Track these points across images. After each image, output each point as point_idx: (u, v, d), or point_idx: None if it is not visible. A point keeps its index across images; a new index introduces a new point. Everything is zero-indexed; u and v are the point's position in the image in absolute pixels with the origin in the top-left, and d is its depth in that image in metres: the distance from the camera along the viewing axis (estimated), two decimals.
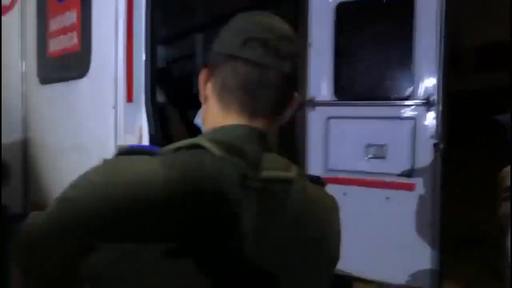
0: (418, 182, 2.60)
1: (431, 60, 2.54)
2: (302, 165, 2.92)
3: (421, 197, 2.59)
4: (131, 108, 1.75)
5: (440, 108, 2.53)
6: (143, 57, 1.78)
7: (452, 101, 2.58)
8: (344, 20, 2.79)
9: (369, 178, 2.72)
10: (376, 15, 2.74)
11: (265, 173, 0.72)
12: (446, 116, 2.53)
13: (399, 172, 2.64)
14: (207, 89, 0.80)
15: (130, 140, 1.69)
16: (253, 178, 0.71)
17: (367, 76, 2.79)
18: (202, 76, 0.81)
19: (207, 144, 0.70)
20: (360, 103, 2.76)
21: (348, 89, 2.83)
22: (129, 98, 1.74)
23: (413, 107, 2.60)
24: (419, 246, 2.59)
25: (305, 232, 0.75)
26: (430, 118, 2.56)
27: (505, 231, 2.21)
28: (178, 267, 0.65)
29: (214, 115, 0.79)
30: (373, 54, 2.77)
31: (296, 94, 0.83)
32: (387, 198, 2.68)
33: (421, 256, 2.59)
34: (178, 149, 0.71)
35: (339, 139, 2.80)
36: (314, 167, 2.88)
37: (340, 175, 2.79)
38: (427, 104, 2.55)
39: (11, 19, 2.54)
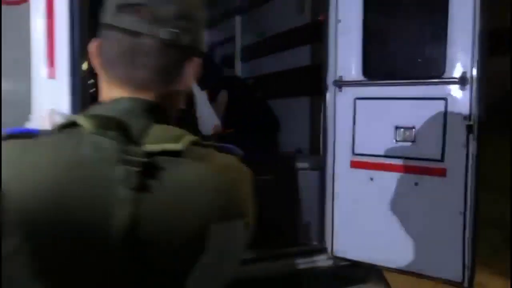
0: (450, 167, 2.41)
1: (466, 35, 2.31)
2: (330, 147, 2.84)
3: (452, 183, 2.40)
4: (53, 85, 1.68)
5: (475, 86, 2.30)
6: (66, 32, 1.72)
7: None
8: None
9: (397, 162, 2.57)
10: None
11: (149, 147, 0.68)
12: (482, 95, 2.30)
13: (429, 156, 2.46)
14: (97, 63, 0.78)
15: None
16: (133, 153, 0.67)
17: (396, 54, 2.63)
18: (91, 49, 0.77)
19: (81, 120, 0.69)
20: (387, 82, 2.60)
21: (376, 68, 2.68)
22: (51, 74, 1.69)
23: (444, 85, 2.39)
24: (450, 236, 2.42)
25: (197, 207, 0.69)
26: (464, 98, 2.34)
27: None
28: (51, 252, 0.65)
29: (102, 89, 0.77)
30: (403, 30, 2.59)
31: (195, 59, 0.77)
32: (416, 184, 2.51)
33: (452, 247, 2.41)
34: (61, 128, 0.70)
35: (366, 121, 2.67)
36: (341, 150, 2.78)
37: (367, 159, 2.67)
38: (461, 82, 2.33)
39: None
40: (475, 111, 2.31)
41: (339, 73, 2.75)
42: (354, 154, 2.72)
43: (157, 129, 0.71)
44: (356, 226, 2.75)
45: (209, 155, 0.75)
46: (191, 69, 0.77)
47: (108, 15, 0.73)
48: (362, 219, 2.71)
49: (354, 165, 2.72)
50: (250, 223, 0.76)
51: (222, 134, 3.61)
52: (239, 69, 4.80)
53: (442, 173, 2.43)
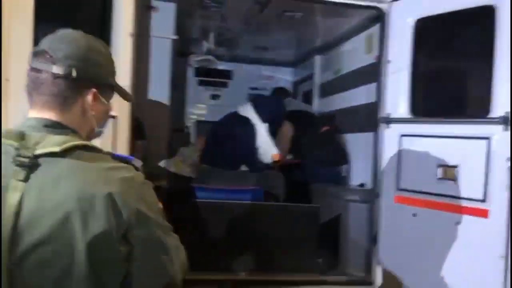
0: (492, 209, 2.35)
1: (507, 75, 2.30)
2: (377, 182, 2.92)
3: (494, 226, 2.33)
4: None
5: None
6: None
7: None
8: (421, 36, 2.73)
9: (439, 200, 2.57)
10: (454, 29, 2.61)
11: (37, 151, 0.98)
12: None
13: (470, 196, 2.43)
14: None
15: None
16: (23, 155, 0.97)
17: (443, 94, 2.66)
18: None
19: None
20: (431, 120, 2.64)
21: (422, 106, 2.74)
22: None
23: (487, 125, 2.38)
24: (490, 281, 2.33)
25: (62, 192, 0.97)
26: (506, 138, 2.30)
27: None
28: None
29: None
30: (450, 69, 2.64)
31: (92, 90, 1.09)
32: (457, 223, 2.48)
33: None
34: None
35: (411, 157, 2.72)
36: (387, 185, 2.85)
37: (410, 195, 2.71)
38: (504, 122, 2.31)
39: None
40: None
41: (387, 111, 2.87)
42: (398, 189, 2.77)
43: (51, 138, 1.02)
44: (398, 260, 2.77)
45: (96, 158, 1.03)
46: (87, 97, 1.09)
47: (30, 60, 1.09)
48: (405, 254, 2.73)
49: (398, 200, 2.77)
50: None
51: (288, 163, 3.87)
52: (316, 104, 5.04)
53: (483, 214, 2.38)
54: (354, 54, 4.01)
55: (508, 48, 2.33)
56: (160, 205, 1.15)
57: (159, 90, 3.37)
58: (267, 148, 3.44)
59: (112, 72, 1.19)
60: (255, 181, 3.51)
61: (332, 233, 3.34)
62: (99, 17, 2.47)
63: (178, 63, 5.39)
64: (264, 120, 3.51)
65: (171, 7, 3.55)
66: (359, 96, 3.75)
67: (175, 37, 3.47)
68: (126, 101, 1.40)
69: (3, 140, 1.00)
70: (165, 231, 1.10)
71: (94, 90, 1.10)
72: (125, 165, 1.08)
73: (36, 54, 1.07)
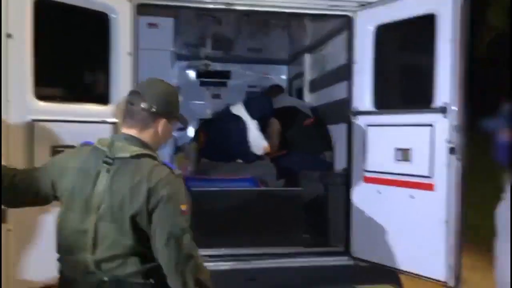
0: (437, 183, 2.84)
1: (447, 72, 2.77)
2: (350, 165, 3.41)
3: (438, 196, 2.82)
4: None
5: (455, 114, 2.73)
6: None
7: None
8: (380, 40, 3.20)
9: (397, 178, 3.06)
10: (405, 34, 3.08)
11: (117, 155, 1.62)
12: (463, 121, 2.71)
13: (420, 173, 2.92)
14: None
15: None
16: (109, 157, 1.63)
17: (398, 88, 3.14)
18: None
19: (96, 142, 1.65)
20: (389, 111, 3.12)
21: (382, 100, 3.21)
22: None
23: (431, 114, 2.85)
24: (436, 242, 2.82)
25: (134, 187, 1.59)
26: (445, 124, 2.78)
27: (496, 232, 2.35)
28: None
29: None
30: (403, 68, 3.11)
31: (164, 120, 1.72)
32: (412, 197, 2.98)
33: (438, 252, 2.81)
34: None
35: (375, 143, 3.21)
36: (356, 168, 3.34)
37: (375, 175, 3.20)
38: (442, 111, 2.78)
39: None
40: (456, 135, 2.73)
41: (355, 104, 3.35)
42: (365, 171, 3.27)
43: (128, 147, 1.65)
44: (368, 232, 3.26)
45: (149, 162, 1.65)
46: (160, 124, 1.73)
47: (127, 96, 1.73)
48: (373, 225, 3.22)
49: (366, 180, 3.27)
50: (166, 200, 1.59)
51: (277, 155, 4.38)
52: (307, 99, 5.53)
53: (430, 187, 2.86)
54: (335, 54, 4.48)
55: (447, 48, 2.80)
56: (185, 206, 1.66)
57: None
58: (257, 141, 3.95)
59: (178, 107, 1.85)
60: (250, 171, 4.04)
61: (316, 213, 3.85)
62: (99, 37, 2.92)
63: (180, 67, 5.97)
64: (254, 117, 4.03)
65: (170, 22, 4.08)
66: (338, 91, 4.22)
67: (172, 49, 3.98)
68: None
69: (98, 145, 1.68)
70: (176, 223, 1.61)
71: (164, 120, 1.75)
72: (166, 168, 1.67)
73: (132, 93, 1.77)
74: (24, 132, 2.54)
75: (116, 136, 1.78)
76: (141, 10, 3.10)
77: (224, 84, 6.42)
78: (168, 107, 1.76)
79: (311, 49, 5.42)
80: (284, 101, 5.02)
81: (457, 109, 2.74)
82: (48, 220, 2.58)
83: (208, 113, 6.31)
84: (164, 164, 1.69)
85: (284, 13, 3.43)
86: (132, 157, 1.63)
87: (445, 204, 2.79)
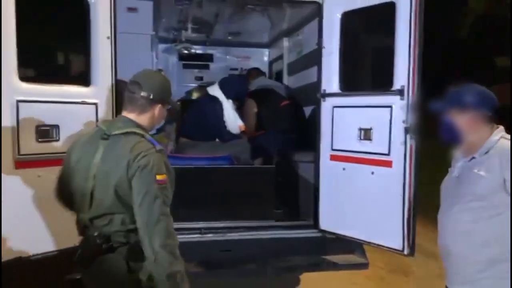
0: (394, 160, 3.09)
1: (404, 57, 2.99)
2: (318, 144, 3.64)
3: (396, 172, 3.08)
4: None
5: (410, 96, 2.97)
6: None
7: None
8: (346, 27, 3.40)
9: (360, 156, 3.31)
10: (368, 20, 3.28)
11: (113, 132, 1.98)
12: (416, 103, 2.95)
13: (380, 151, 3.16)
14: None
15: None
16: (107, 134, 1.99)
17: (361, 72, 3.36)
18: None
19: (101, 123, 2.03)
20: (353, 93, 3.35)
21: (347, 83, 3.43)
22: None
23: (390, 96, 3.09)
24: (394, 214, 3.09)
25: (118, 158, 1.89)
26: (402, 106, 3.02)
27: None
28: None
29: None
30: (366, 53, 3.32)
31: (159, 105, 2.11)
32: (372, 173, 3.23)
33: (395, 223, 3.08)
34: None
35: (340, 124, 3.44)
36: (324, 147, 3.57)
37: (340, 154, 3.44)
38: (399, 93, 3.02)
39: None
40: (410, 116, 2.98)
41: (323, 87, 3.56)
42: (332, 149, 3.50)
43: (123, 127, 1.97)
44: (335, 206, 3.52)
45: (135, 138, 1.96)
46: (156, 109, 2.10)
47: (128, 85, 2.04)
48: (339, 200, 3.48)
49: (332, 158, 3.51)
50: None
51: (254, 135, 4.60)
52: (285, 81, 5.74)
53: (388, 164, 3.12)
54: (309, 39, 4.67)
55: (405, 35, 3.01)
56: (161, 176, 1.95)
57: None
58: (233, 120, 4.16)
59: (170, 94, 2.23)
60: (227, 150, 4.26)
61: (287, 189, 4.10)
62: (79, 22, 3.06)
63: (163, 50, 6.11)
64: (228, 96, 4.23)
65: (149, 6, 4.22)
66: (312, 75, 4.43)
67: (152, 32, 4.14)
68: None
69: (101, 125, 2.10)
70: (150, 193, 1.91)
71: (159, 105, 2.13)
72: (149, 143, 1.98)
73: (132, 83, 2.10)
74: (10, 112, 2.71)
75: (117, 118, 2.22)
76: None
77: (206, 67, 6.59)
78: (162, 95, 2.15)
79: (289, 33, 5.60)
80: (262, 83, 5.23)
81: (411, 91, 2.97)
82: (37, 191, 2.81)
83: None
84: (149, 141, 1.99)
85: None
86: (122, 134, 1.98)
87: (401, 180, 3.04)
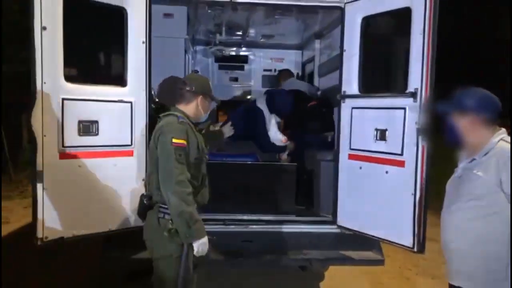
0: (407, 160, 3.20)
1: (418, 60, 3.10)
2: (338, 144, 3.79)
3: (408, 172, 3.19)
4: None
5: (422, 99, 3.07)
6: None
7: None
8: (366, 30, 3.54)
9: (375, 155, 3.44)
10: (386, 26, 3.40)
11: (161, 115, 2.81)
12: (427, 105, 3.05)
13: (394, 151, 3.28)
14: None
15: None
16: (159, 117, 2.82)
17: (379, 75, 3.48)
18: None
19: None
20: (371, 95, 3.48)
21: (366, 85, 3.56)
22: None
23: (404, 98, 3.19)
24: (406, 212, 3.20)
25: (155, 130, 2.75)
26: (415, 108, 3.12)
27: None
28: None
29: None
30: (385, 56, 3.44)
31: (200, 96, 2.86)
32: (387, 172, 3.35)
33: (407, 220, 3.19)
34: None
35: (358, 124, 3.58)
36: (343, 146, 3.72)
37: (358, 153, 3.58)
38: (413, 96, 3.12)
39: None
40: (421, 118, 3.08)
41: (343, 89, 3.71)
42: (350, 149, 3.65)
43: (169, 112, 2.80)
44: (353, 203, 3.67)
45: (169, 117, 2.76)
46: (198, 99, 2.85)
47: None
48: (356, 198, 3.62)
49: (350, 157, 3.65)
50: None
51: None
52: (317, 83, 5.89)
53: (402, 164, 3.23)
54: (337, 42, 4.81)
55: (419, 39, 3.11)
56: (178, 140, 2.61)
57: None
58: (275, 133, 4.42)
59: (210, 89, 2.92)
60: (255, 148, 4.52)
61: (310, 186, 4.28)
62: (118, 28, 3.37)
63: (199, 52, 6.45)
64: (272, 111, 4.49)
65: (184, 12, 4.53)
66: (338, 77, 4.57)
67: (186, 36, 4.44)
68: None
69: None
70: (166, 152, 2.59)
71: (200, 96, 2.84)
72: (175, 118, 2.71)
73: (181, 82, 2.88)
74: (56, 108, 3.08)
75: (171, 108, 2.86)
76: (156, 1, 3.56)
77: (241, 68, 6.86)
78: (202, 88, 2.85)
79: (320, 35, 5.75)
80: (292, 84, 5.43)
81: (424, 94, 3.07)
82: (78, 180, 3.17)
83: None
84: (177, 117, 2.71)
85: (281, 5, 3.81)
86: (164, 115, 2.77)
87: (413, 179, 3.15)
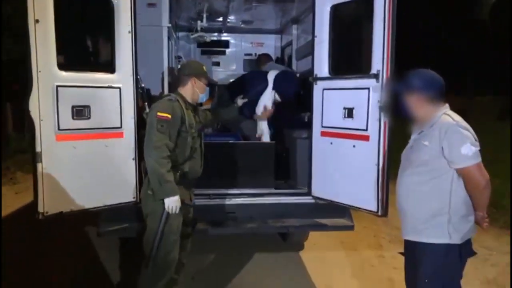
0: (371, 135, 3.58)
1: (379, 44, 3.45)
2: (311, 123, 4.15)
3: (372, 145, 3.57)
4: None
5: (384, 80, 3.44)
6: None
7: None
8: (334, 18, 3.87)
9: (344, 132, 3.81)
10: (352, 13, 3.74)
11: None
12: (387, 85, 3.41)
13: (360, 127, 3.65)
14: None
15: None
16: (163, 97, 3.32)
17: (347, 58, 3.83)
18: None
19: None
20: (339, 77, 3.84)
21: (335, 68, 3.91)
22: None
23: (368, 79, 3.55)
24: (371, 181, 3.59)
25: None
26: (378, 88, 3.49)
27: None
28: None
29: None
30: (351, 41, 3.79)
31: (193, 78, 3.33)
32: (354, 146, 3.73)
33: (372, 188, 3.58)
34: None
35: (329, 104, 3.94)
36: (316, 124, 4.08)
37: (329, 130, 3.95)
38: (375, 77, 3.48)
39: None
40: (382, 96, 3.45)
41: (315, 72, 4.06)
42: (322, 126, 4.01)
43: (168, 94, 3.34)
44: (325, 175, 4.05)
45: (164, 97, 3.21)
46: (192, 81, 3.33)
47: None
48: (328, 171, 4.00)
49: (322, 134, 4.02)
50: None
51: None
52: (294, 66, 6.22)
53: (366, 138, 3.61)
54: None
55: (380, 26, 3.45)
56: (162, 114, 3.08)
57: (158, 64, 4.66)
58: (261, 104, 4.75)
59: (202, 71, 3.37)
60: (242, 128, 4.87)
61: (287, 161, 4.66)
62: (105, 19, 3.61)
63: (182, 39, 6.70)
64: (274, 88, 4.81)
65: (167, 1, 4.78)
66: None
67: (169, 25, 4.71)
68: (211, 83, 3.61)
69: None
70: (150, 123, 3.03)
71: (194, 78, 3.30)
72: (167, 97, 3.26)
73: (179, 67, 3.24)
74: (51, 94, 3.36)
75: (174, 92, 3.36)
76: None
77: (223, 53, 7.15)
78: (194, 71, 3.33)
79: (297, 21, 6.06)
80: (271, 68, 5.74)
81: (385, 75, 3.43)
82: (73, 160, 3.47)
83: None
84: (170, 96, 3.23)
85: None
86: (163, 97, 3.28)
87: (376, 151, 3.53)
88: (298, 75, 5.70)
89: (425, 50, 18.70)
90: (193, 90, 3.34)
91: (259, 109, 4.86)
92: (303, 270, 4.73)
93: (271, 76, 4.95)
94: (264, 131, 4.77)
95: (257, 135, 4.84)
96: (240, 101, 4.49)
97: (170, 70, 4.72)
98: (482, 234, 4.69)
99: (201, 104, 3.87)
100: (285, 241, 5.42)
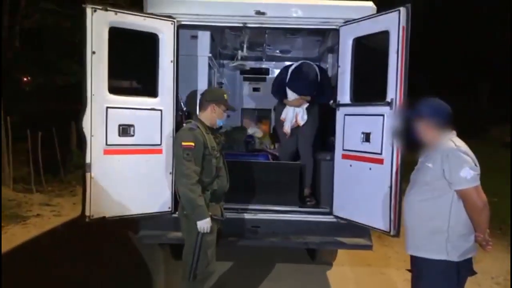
0: (385, 158, 3.81)
1: (393, 75, 3.72)
2: (334, 146, 4.43)
3: (386, 168, 3.79)
4: None
5: (396, 107, 3.68)
6: None
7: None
8: (356, 50, 4.19)
9: (362, 155, 4.06)
10: (372, 46, 4.04)
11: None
12: (398, 112, 3.64)
13: (375, 151, 3.90)
14: None
15: None
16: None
17: (366, 87, 4.11)
18: None
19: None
20: (358, 104, 4.12)
21: (356, 95, 4.20)
22: None
23: (383, 107, 3.81)
24: (385, 202, 3.80)
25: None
26: (391, 115, 3.73)
27: None
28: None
29: None
30: (370, 71, 4.08)
31: (213, 104, 3.61)
32: (370, 168, 3.97)
33: (386, 209, 3.79)
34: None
35: (350, 128, 4.21)
36: (338, 147, 4.36)
37: (348, 153, 4.21)
38: (389, 105, 3.74)
39: None
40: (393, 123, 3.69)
41: (338, 98, 4.36)
42: (343, 149, 4.28)
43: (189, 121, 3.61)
44: (345, 196, 4.29)
45: (187, 126, 3.46)
46: (210, 107, 3.61)
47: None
48: (348, 192, 4.25)
49: (343, 156, 4.29)
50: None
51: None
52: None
53: (381, 162, 3.84)
54: None
55: (394, 57, 3.72)
56: (186, 143, 3.37)
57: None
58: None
59: (222, 98, 3.62)
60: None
61: (312, 181, 4.94)
62: (151, 50, 4.19)
63: (225, 66, 7.25)
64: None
65: (207, 34, 5.32)
66: None
67: (209, 54, 5.23)
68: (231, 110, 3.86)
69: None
70: (177, 154, 3.34)
71: (213, 104, 3.57)
72: (188, 125, 3.52)
73: (202, 94, 3.73)
74: (101, 114, 3.91)
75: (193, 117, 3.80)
76: (183, 27, 4.36)
77: (263, 80, 7.62)
78: (214, 97, 3.59)
79: (332, 50, 6.40)
80: None
81: (398, 103, 3.68)
82: (117, 171, 3.98)
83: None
84: (191, 124, 3.50)
85: (285, 28, 4.52)
86: (185, 123, 3.63)
87: (389, 174, 3.75)
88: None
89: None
90: (212, 116, 3.57)
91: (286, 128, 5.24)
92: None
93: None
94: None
95: (281, 118, 5.23)
96: (251, 130, 4.84)
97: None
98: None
99: (220, 127, 4.26)
100: (313, 260, 5.63)
